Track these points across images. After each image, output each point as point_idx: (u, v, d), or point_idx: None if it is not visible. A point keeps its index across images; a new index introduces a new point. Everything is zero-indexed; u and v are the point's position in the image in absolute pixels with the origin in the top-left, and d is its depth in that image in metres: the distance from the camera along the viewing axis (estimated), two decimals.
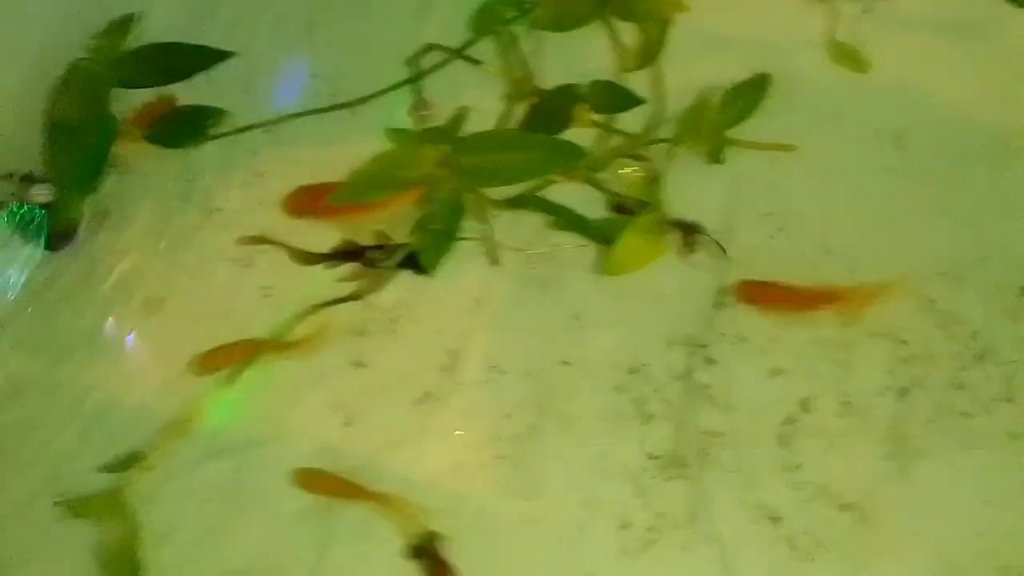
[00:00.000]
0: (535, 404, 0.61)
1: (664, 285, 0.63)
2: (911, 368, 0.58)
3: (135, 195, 0.70)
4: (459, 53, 0.64)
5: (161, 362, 0.64)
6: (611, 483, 0.58)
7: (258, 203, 0.68)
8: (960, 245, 0.61)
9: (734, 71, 0.63)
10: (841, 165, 0.65)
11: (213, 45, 0.69)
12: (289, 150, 0.68)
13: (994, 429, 0.56)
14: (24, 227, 0.68)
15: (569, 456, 0.59)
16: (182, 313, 0.65)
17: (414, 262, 0.62)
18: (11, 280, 0.67)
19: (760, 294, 0.61)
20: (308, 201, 0.64)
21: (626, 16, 0.58)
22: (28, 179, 0.68)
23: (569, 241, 0.62)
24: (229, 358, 0.61)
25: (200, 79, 0.69)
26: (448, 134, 0.49)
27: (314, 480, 0.59)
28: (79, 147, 0.65)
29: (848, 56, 0.63)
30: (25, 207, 0.68)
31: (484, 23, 0.59)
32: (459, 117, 0.49)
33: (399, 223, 0.58)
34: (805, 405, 0.59)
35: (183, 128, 0.68)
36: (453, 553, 0.55)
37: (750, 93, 0.59)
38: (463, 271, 0.65)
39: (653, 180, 0.59)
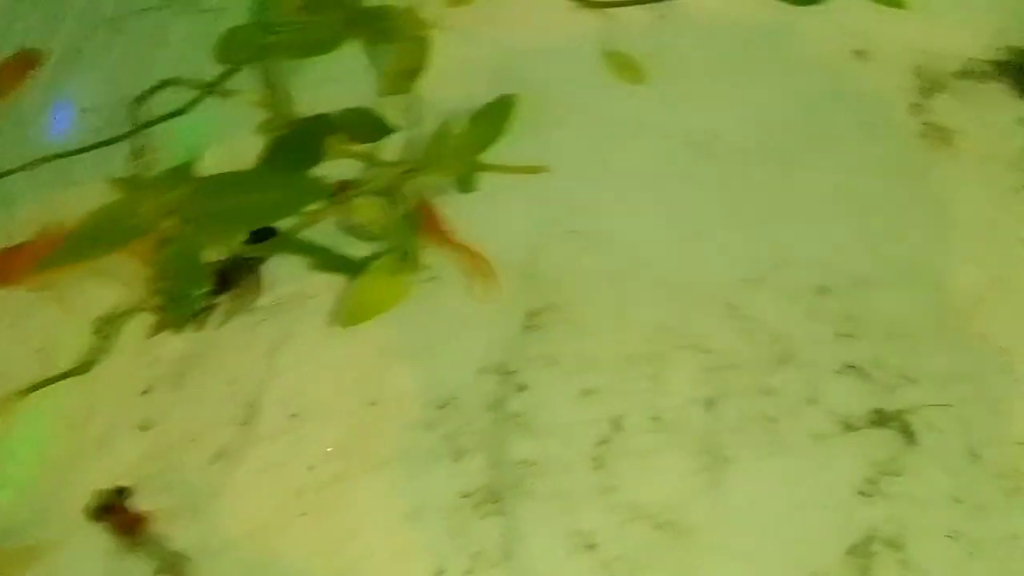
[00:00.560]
0: (340, 451, 0.58)
1: (472, 312, 0.61)
2: (717, 377, 0.58)
3: None
4: (209, 87, 0.59)
5: None
6: (424, 527, 0.55)
7: None
8: (757, 249, 0.61)
9: (510, 88, 0.60)
10: (644, 177, 0.64)
11: None
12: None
13: (799, 432, 0.56)
14: None
15: (379, 504, 0.56)
16: None
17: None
18: None
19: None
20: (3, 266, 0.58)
21: (376, 38, 0.54)
22: None
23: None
24: None
25: None
26: (180, 178, 0.45)
27: None
28: None
29: (626, 67, 0.62)
30: None
31: (229, 52, 0.55)
32: (191, 160, 0.45)
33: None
34: (617, 424, 0.57)
35: None
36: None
37: (495, 116, 0.56)
38: (256, 315, 0.61)
39: (397, 215, 0.56)
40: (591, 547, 0.54)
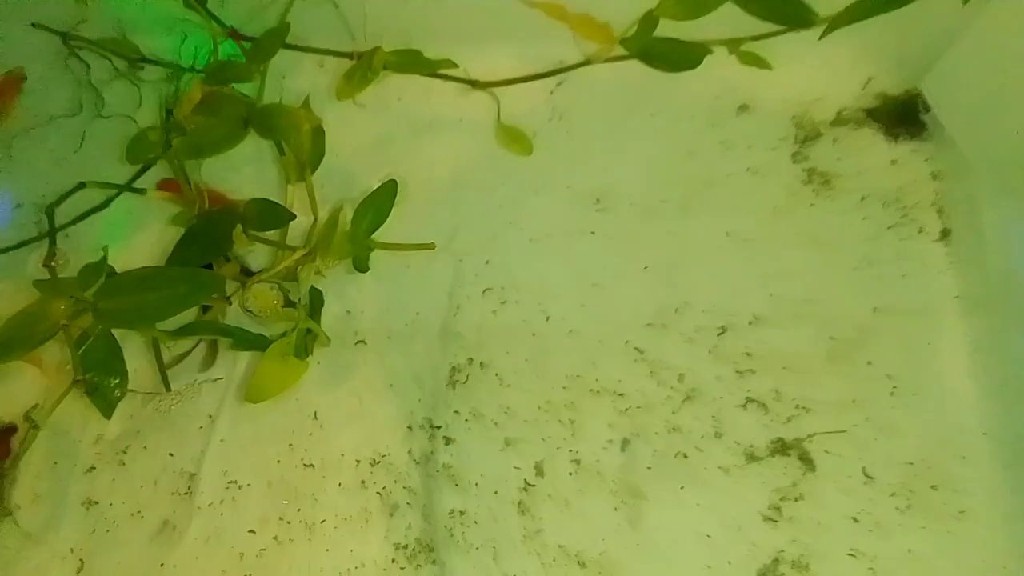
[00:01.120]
0: (279, 515, 0.61)
1: (400, 371, 0.65)
2: (630, 418, 0.62)
3: None
4: (123, 187, 0.63)
5: None
6: None
7: None
8: (659, 296, 0.65)
9: (407, 168, 0.67)
10: (549, 234, 0.68)
11: None
12: None
13: (708, 465, 0.60)
14: None
15: (317, 563, 0.59)
16: None
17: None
18: None
19: None
20: None
21: (266, 134, 0.58)
22: None
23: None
24: None
25: None
26: (95, 275, 0.48)
27: None
28: None
29: (514, 139, 0.66)
30: None
31: (138, 153, 0.59)
32: (106, 256, 0.48)
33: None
34: (539, 469, 0.61)
35: None
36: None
37: (381, 200, 0.61)
38: (192, 390, 0.64)
39: (288, 301, 0.60)
40: None
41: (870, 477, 0.58)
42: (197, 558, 0.59)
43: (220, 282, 0.53)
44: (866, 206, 0.65)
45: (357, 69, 0.64)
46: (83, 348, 0.46)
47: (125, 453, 0.62)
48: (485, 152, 0.70)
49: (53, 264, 0.56)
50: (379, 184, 0.62)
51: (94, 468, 0.62)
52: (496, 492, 0.60)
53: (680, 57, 0.61)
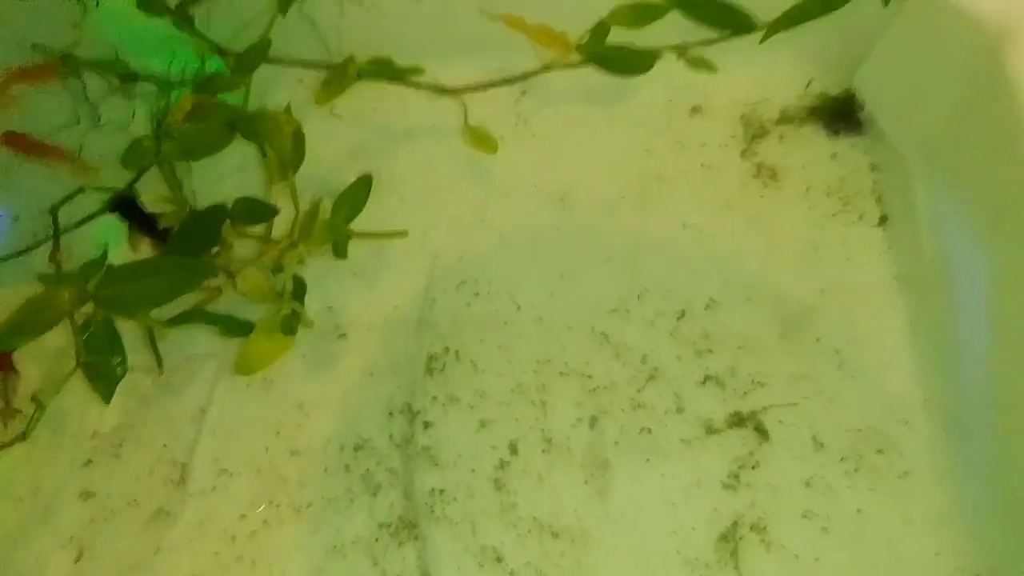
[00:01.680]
0: (267, 499, 0.64)
1: (380, 361, 0.69)
2: (596, 398, 0.66)
3: None
4: (123, 190, 0.67)
5: None
6: (347, 560, 0.61)
7: None
8: (621, 284, 0.69)
9: (383, 167, 0.72)
10: (517, 229, 0.72)
11: None
12: None
13: (671, 438, 0.64)
14: None
15: (305, 543, 0.62)
16: None
17: None
18: None
19: None
20: None
21: (251, 137, 0.63)
22: None
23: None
24: None
25: None
26: (91, 272, 0.52)
27: None
28: None
29: (481, 139, 0.71)
30: None
31: (133, 159, 0.63)
32: (105, 252, 0.52)
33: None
34: (513, 448, 0.65)
35: None
36: None
37: (357, 192, 0.65)
38: (184, 383, 0.68)
39: (278, 283, 0.64)
40: (499, 559, 0.61)
41: (820, 444, 0.63)
42: (190, 542, 0.62)
43: (211, 269, 0.57)
44: (811, 196, 0.70)
45: (334, 77, 0.68)
46: (87, 334, 0.50)
47: (120, 446, 0.65)
48: (457, 157, 0.75)
49: (58, 259, 0.60)
50: (354, 180, 0.66)
51: (91, 461, 0.65)
52: (473, 470, 0.64)
53: (632, 62, 0.66)
